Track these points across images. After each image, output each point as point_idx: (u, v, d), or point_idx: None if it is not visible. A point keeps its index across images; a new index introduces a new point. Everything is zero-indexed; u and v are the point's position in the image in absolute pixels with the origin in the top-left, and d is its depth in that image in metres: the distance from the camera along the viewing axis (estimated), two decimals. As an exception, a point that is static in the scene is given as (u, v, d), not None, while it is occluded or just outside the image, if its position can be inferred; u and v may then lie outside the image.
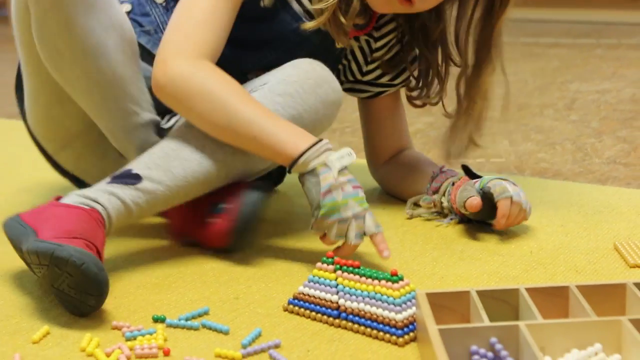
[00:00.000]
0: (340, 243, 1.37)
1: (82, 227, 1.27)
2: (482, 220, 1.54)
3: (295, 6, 1.53)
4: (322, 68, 1.47)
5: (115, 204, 1.35)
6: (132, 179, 1.37)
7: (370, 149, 1.79)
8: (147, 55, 1.55)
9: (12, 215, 1.34)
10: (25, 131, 1.68)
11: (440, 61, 1.67)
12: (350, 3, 1.49)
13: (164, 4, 1.58)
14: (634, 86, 2.81)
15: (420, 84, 1.70)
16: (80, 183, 1.66)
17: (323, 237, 1.37)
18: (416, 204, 1.64)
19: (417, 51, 1.68)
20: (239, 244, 1.44)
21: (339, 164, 1.36)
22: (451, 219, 1.59)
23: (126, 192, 1.36)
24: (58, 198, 1.36)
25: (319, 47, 1.54)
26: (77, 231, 1.26)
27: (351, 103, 1.72)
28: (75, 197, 1.34)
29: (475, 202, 1.49)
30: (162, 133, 1.50)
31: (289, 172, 1.38)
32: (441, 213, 1.61)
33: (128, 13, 1.58)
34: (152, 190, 1.38)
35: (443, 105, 1.68)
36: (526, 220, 1.53)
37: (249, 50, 1.57)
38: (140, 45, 1.54)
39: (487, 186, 1.51)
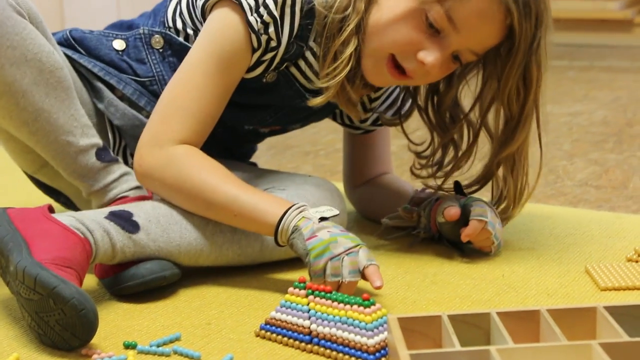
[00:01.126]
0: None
1: (75, 257, 1.28)
2: (452, 239, 1.55)
3: (301, 80, 1.51)
4: (337, 196, 1.53)
5: (105, 245, 1.34)
6: (130, 225, 1.37)
7: (350, 171, 1.78)
8: (137, 105, 1.55)
9: None
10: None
11: (455, 132, 1.58)
12: (354, 79, 1.46)
13: (160, 50, 1.56)
14: (605, 108, 2.84)
15: (429, 152, 1.62)
16: (64, 198, 1.63)
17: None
18: (394, 219, 1.63)
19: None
20: (112, 288, 1.40)
21: (319, 215, 1.34)
22: (421, 231, 1.58)
23: (119, 238, 1.36)
24: (50, 207, 1.36)
25: (318, 107, 1.53)
26: (71, 260, 1.26)
27: (325, 125, 1.72)
28: (72, 219, 1.33)
29: (453, 210, 1.49)
30: (104, 155, 1.48)
31: (278, 244, 1.36)
32: (416, 228, 1.61)
33: (121, 52, 1.57)
34: (144, 245, 1.38)
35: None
36: (491, 253, 1.54)
37: (249, 111, 1.58)
38: (125, 93, 1.54)
39: (469, 204, 1.51)
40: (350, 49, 1.42)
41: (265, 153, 2.37)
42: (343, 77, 1.44)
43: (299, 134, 1.84)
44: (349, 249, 1.32)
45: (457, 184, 1.59)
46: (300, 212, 1.35)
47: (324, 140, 2.50)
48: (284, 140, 2.37)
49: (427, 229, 1.58)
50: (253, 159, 1.82)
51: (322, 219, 1.34)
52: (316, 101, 1.48)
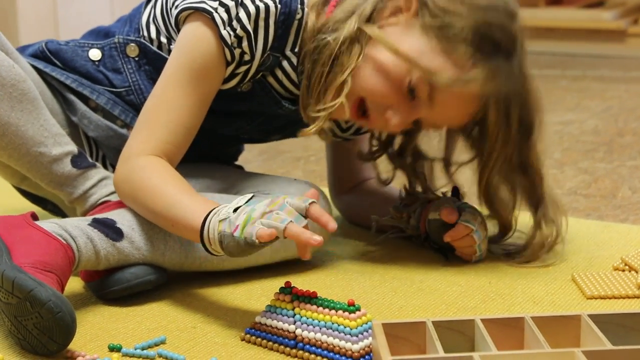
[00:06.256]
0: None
1: (56, 262, 1.27)
2: (438, 239, 1.55)
3: (278, 89, 1.51)
4: (323, 199, 1.54)
5: (88, 251, 1.34)
6: (114, 233, 1.37)
7: (335, 177, 1.78)
8: (111, 115, 1.55)
9: None
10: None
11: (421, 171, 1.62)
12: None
13: (136, 59, 1.55)
14: (596, 118, 2.84)
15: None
16: (51, 205, 1.63)
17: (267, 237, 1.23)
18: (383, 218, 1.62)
19: None
20: (98, 291, 1.40)
21: (232, 207, 1.26)
22: (408, 228, 1.59)
23: (103, 245, 1.35)
24: (33, 214, 1.35)
25: (295, 117, 1.52)
26: (52, 265, 1.26)
27: (316, 132, 1.71)
28: (54, 226, 1.33)
29: (451, 214, 1.50)
30: (79, 162, 1.47)
31: (209, 251, 1.29)
32: (403, 231, 1.61)
33: (97, 62, 1.56)
34: (127, 253, 1.37)
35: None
36: (471, 261, 1.54)
37: (225, 118, 1.57)
38: (102, 104, 1.54)
39: (462, 208, 1.52)
40: (346, 90, 1.42)
41: (257, 158, 2.37)
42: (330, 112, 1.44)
43: (291, 139, 1.85)
44: (266, 205, 1.24)
45: (455, 188, 1.60)
46: (215, 215, 1.27)
47: (315, 146, 2.50)
48: (276, 145, 2.36)
49: (416, 228, 1.58)
50: (243, 164, 1.82)
51: (238, 208, 1.26)
52: (307, 131, 1.46)
